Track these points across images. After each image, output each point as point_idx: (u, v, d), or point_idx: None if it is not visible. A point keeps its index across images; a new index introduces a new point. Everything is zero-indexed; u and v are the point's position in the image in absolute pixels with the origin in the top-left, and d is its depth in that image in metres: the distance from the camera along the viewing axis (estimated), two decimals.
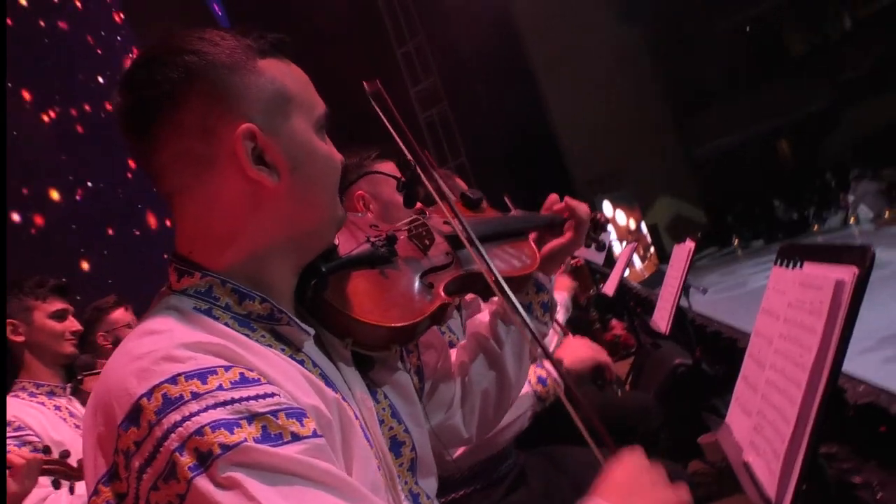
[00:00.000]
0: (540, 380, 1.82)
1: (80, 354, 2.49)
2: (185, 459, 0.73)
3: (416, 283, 1.15)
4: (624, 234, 12.82)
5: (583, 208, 1.52)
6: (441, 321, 1.18)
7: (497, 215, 1.51)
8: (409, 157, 1.27)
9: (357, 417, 0.97)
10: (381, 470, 0.98)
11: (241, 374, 0.80)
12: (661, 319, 2.39)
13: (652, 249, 13.45)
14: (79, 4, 8.79)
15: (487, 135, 13.31)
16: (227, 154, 0.88)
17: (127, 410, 0.77)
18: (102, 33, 8.95)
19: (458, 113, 13.66)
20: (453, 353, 1.43)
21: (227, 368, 0.80)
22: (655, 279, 11.03)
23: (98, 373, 2.45)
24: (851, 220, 12.37)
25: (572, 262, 5.62)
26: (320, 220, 0.98)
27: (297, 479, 0.76)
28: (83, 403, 2.41)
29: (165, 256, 0.99)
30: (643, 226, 13.64)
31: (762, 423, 0.94)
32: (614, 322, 4.95)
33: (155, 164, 0.91)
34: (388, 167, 1.80)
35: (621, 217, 13.12)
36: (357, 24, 12.47)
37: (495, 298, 1.47)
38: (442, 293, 1.15)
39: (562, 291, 3.05)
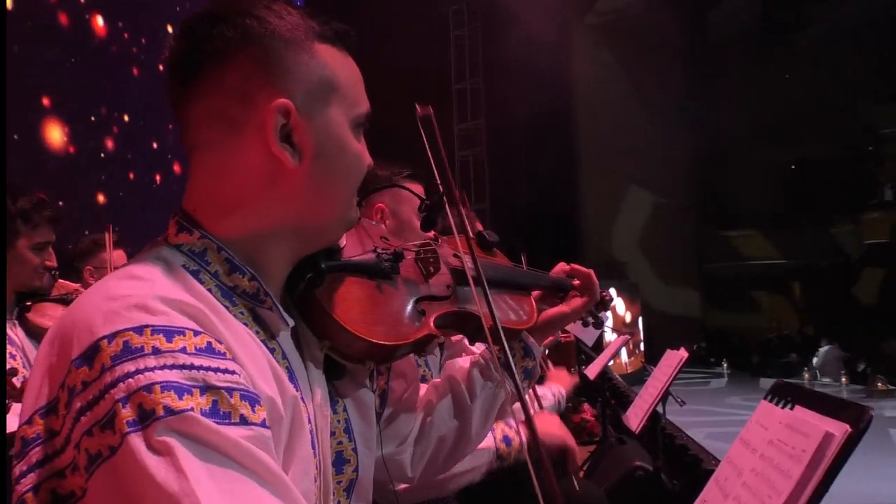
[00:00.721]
0: (505, 438, 1.78)
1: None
2: (126, 412, 0.71)
3: (409, 307, 1.12)
4: (620, 324, 12.77)
5: (595, 284, 1.48)
6: (422, 351, 1.15)
7: (507, 264, 1.49)
8: (440, 183, 1.27)
9: (310, 422, 0.94)
10: (316, 482, 0.95)
11: (209, 343, 0.78)
12: (635, 417, 2.37)
13: (642, 346, 13.41)
14: None
15: (515, 190, 13.41)
16: (257, 123, 0.88)
17: (84, 347, 0.75)
18: None
19: (493, 160, 13.80)
20: (423, 388, 1.40)
21: (196, 333, 0.78)
22: (636, 377, 10.96)
23: (45, 299, 2.35)
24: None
25: (562, 336, 5.61)
26: (331, 214, 0.97)
27: (233, 463, 0.72)
28: (26, 332, 2.31)
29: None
30: (640, 321, 13.61)
31: None
32: (585, 406, 4.90)
33: (188, 114, 0.91)
34: (416, 189, 1.77)
35: (620, 307, 13.10)
36: (424, 47, 12.65)
37: (477, 347, 1.46)
38: (431, 324, 1.12)
39: (560, 386, 2.93)
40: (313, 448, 0.94)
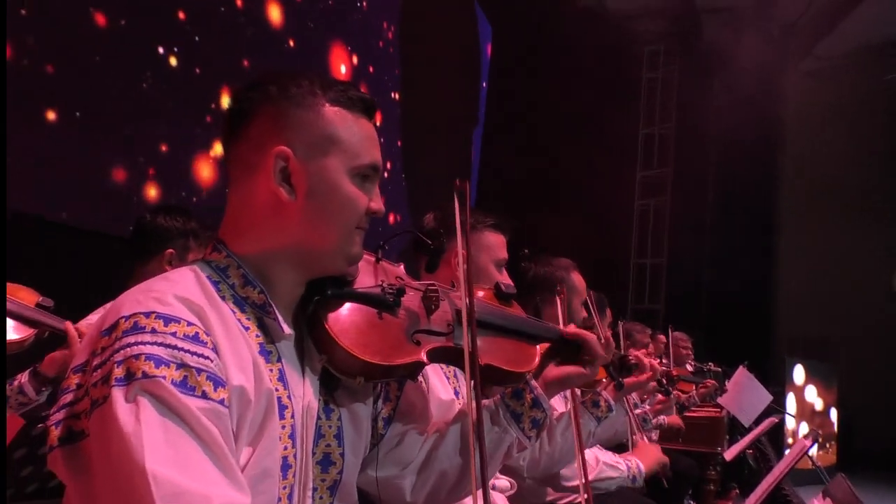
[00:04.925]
0: None
1: None
2: (118, 371, 0.96)
3: (405, 335, 1.28)
4: (808, 413, 11.04)
5: (596, 343, 1.55)
6: (414, 377, 1.35)
7: (520, 314, 1.59)
8: (443, 236, 1.66)
9: (293, 417, 1.14)
10: (292, 468, 1.13)
11: (196, 333, 1.02)
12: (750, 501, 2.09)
13: (834, 442, 11.49)
14: None
15: (697, 245, 12.14)
16: (265, 166, 1.15)
17: (110, 323, 1.02)
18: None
19: (676, 212, 12.70)
20: (435, 419, 1.53)
21: (189, 324, 1.02)
22: (814, 475, 9.28)
23: None
24: None
25: (714, 411, 4.91)
26: (325, 246, 1.18)
27: (185, 425, 0.94)
28: None
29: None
30: (832, 412, 11.68)
31: None
32: (734, 493, 4.27)
33: (228, 161, 1.19)
34: (496, 239, 1.96)
35: (811, 393, 11.33)
36: (613, 84, 12.09)
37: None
38: (423, 354, 1.28)
39: (641, 461, 2.78)
40: (292, 439, 1.14)
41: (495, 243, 1.93)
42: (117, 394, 0.92)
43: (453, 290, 1.42)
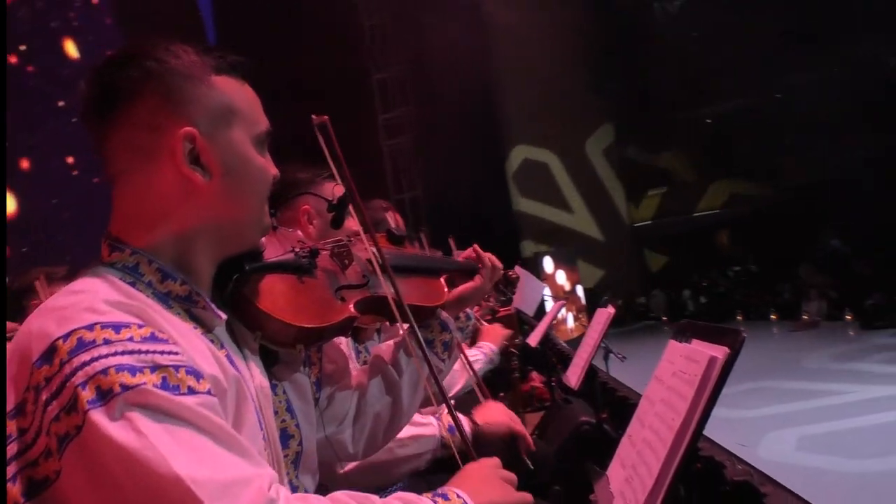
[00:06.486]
0: (451, 427, 1.86)
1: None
2: (86, 394, 0.81)
3: (330, 294, 1.27)
4: (560, 293, 13.09)
5: (496, 262, 1.68)
6: (346, 332, 1.30)
7: (416, 252, 1.67)
8: (341, 185, 1.43)
9: (253, 400, 1.06)
10: (267, 451, 1.07)
11: (152, 332, 0.89)
12: (573, 375, 2.51)
13: (585, 312, 13.76)
14: None
15: (446, 173, 13.50)
16: (167, 149, 1.00)
17: (42, 350, 0.85)
18: None
19: (422, 147, 13.87)
20: (354, 372, 1.54)
21: (140, 326, 0.89)
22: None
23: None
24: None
25: (502, 310, 5.73)
26: (244, 220, 1.09)
27: (188, 424, 0.84)
28: None
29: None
30: (579, 288, 13.95)
31: (633, 475, 1.05)
32: (533, 374, 5.06)
33: (106, 148, 1.02)
34: (332, 189, 1.80)
35: (560, 276, 13.41)
36: (337, 48, 12.57)
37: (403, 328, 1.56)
38: (352, 308, 1.26)
39: (490, 343, 3.05)
40: (259, 423, 1.05)
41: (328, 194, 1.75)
42: (98, 416, 0.80)
43: (355, 242, 1.43)
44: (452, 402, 1.36)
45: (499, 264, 1.71)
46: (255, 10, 11.89)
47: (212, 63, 1.06)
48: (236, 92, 1.08)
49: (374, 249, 1.35)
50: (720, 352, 0.90)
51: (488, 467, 1.08)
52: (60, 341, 0.84)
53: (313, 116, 1.37)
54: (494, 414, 2.19)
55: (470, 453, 1.14)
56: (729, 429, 5.46)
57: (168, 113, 1.00)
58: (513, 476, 1.08)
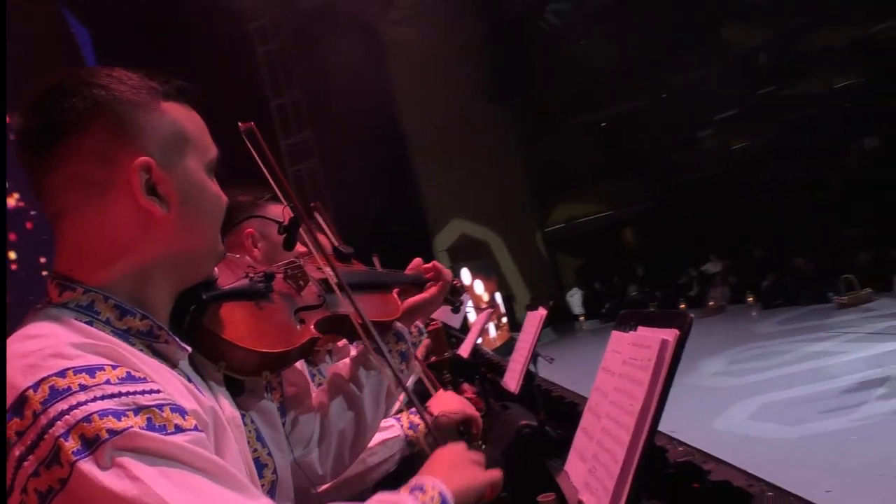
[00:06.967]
0: (412, 425, 1.90)
1: None
2: (70, 444, 0.76)
3: (290, 317, 1.24)
4: (479, 302, 13.23)
5: (446, 271, 1.70)
6: (309, 354, 1.28)
7: (365, 269, 1.65)
8: (286, 204, 1.38)
9: (229, 431, 1.02)
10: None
11: (128, 372, 0.85)
12: (512, 380, 2.53)
13: (504, 319, 13.96)
14: None
15: (355, 194, 13.45)
16: (122, 181, 0.95)
17: (10, 403, 0.79)
18: None
19: (327, 170, 13.77)
20: (314, 393, 1.52)
21: (114, 367, 0.84)
22: (507, 348, 11.44)
23: None
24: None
25: (430, 325, 5.77)
26: (202, 250, 1.06)
27: (181, 464, 0.80)
28: None
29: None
30: (497, 296, 14.16)
31: (596, 465, 1.07)
32: (465, 385, 5.09)
33: (48, 184, 0.96)
34: (278, 210, 1.69)
35: (479, 286, 13.56)
36: (233, 71, 12.33)
37: (358, 347, 1.59)
38: (313, 328, 1.24)
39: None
40: (238, 453, 1.03)
41: (277, 216, 1.70)
42: (87, 466, 0.76)
43: (306, 264, 1.41)
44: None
45: (450, 274, 1.73)
46: (138, 43, 11.48)
47: (159, 89, 1.02)
48: (186, 118, 1.04)
49: (330, 269, 1.33)
50: (670, 334, 0.93)
51: (456, 451, 1.09)
52: (31, 391, 0.79)
53: (240, 124, 1.33)
54: (448, 403, 2.18)
55: (436, 442, 1.15)
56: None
57: (121, 144, 0.95)
58: (480, 456, 1.09)
